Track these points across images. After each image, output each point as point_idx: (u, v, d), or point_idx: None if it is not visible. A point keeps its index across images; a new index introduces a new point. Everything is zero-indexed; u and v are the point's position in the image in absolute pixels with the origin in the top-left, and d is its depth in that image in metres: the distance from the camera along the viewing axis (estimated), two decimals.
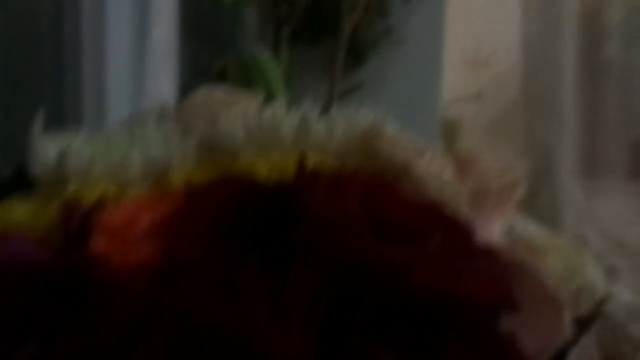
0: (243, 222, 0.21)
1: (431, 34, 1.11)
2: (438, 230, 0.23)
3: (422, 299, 0.20)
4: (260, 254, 0.20)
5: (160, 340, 0.18)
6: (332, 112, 0.30)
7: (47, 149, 0.28)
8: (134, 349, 0.18)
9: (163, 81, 0.71)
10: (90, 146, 0.28)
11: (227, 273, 0.19)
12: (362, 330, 0.19)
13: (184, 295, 0.18)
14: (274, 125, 0.28)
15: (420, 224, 0.23)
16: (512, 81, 1.35)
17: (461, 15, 1.21)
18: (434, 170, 0.27)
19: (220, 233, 0.20)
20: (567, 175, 1.23)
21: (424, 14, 1.09)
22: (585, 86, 1.32)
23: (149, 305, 0.18)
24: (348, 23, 1.04)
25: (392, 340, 0.19)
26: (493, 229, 0.29)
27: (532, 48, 1.31)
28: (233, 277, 0.19)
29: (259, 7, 1.03)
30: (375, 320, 0.19)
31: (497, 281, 0.22)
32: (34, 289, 0.20)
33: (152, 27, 0.67)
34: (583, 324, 0.25)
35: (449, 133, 1.20)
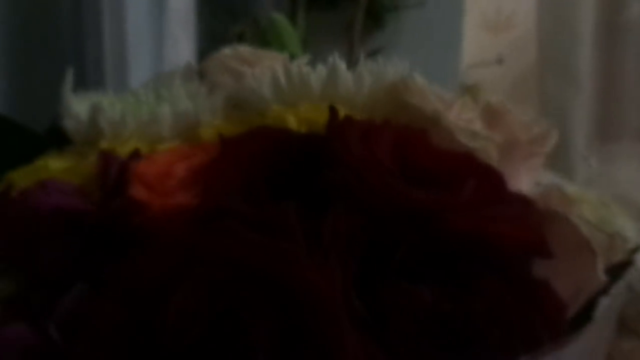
0: (278, 169, 0.21)
1: None
2: (470, 177, 0.22)
3: (457, 243, 0.20)
4: (296, 199, 0.20)
5: (202, 282, 0.18)
6: (360, 64, 0.29)
7: (79, 105, 0.28)
8: (176, 291, 0.18)
9: (182, 47, 0.71)
10: (120, 102, 0.28)
11: (264, 215, 0.19)
12: (399, 269, 0.19)
13: (224, 238, 0.18)
14: (301, 77, 0.28)
15: (452, 171, 0.23)
16: (530, 44, 1.32)
17: None
18: (463, 121, 0.27)
19: (256, 179, 0.20)
20: (583, 139, 1.21)
21: None
22: (602, 49, 1.29)
23: (189, 248, 0.19)
24: None
25: (428, 279, 0.19)
26: (523, 180, 0.29)
27: (550, 10, 1.28)
28: (271, 219, 0.19)
29: None
30: (412, 261, 0.19)
31: (530, 227, 0.22)
32: (79, 235, 0.20)
33: None
34: (615, 272, 0.25)
35: (469, 97, 1.19)
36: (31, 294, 0.20)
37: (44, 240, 0.21)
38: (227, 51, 0.36)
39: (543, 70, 1.34)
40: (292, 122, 0.25)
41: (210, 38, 0.86)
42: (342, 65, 0.29)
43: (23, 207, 0.21)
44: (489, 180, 0.23)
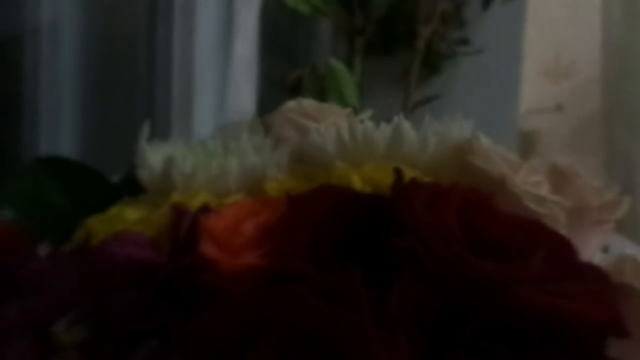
0: (344, 230, 0.21)
1: (509, 44, 1.08)
2: (540, 246, 0.22)
3: (527, 318, 0.19)
4: (362, 263, 0.20)
5: (270, 346, 0.18)
6: (424, 123, 0.30)
7: (154, 155, 0.29)
8: (245, 353, 0.18)
9: (244, 94, 0.74)
10: (192, 154, 0.30)
11: (332, 281, 0.19)
12: (467, 344, 0.19)
13: (292, 303, 0.19)
14: (366, 135, 0.29)
15: (520, 239, 0.22)
16: (592, 92, 1.29)
17: (541, 24, 1.17)
18: (531, 183, 0.27)
19: (322, 240, 0.21)
20: None
21: (502, 24, 1.06)
22: None
23: (259, 311, 0.19)
24: (424, 33, 1.03)
25: (497, 355, 0.18)
26: (592, 248, 0.28)
27: (614, 57, 1.24)
28: (338, 286, 0.19)
29: (333, 19, 1.05)
30: (480, 335, 0.19)
31: (605, 304, 0.21)
32: (151, 287, 0.21)
33: (235, 43, 0.70)
34: None
35: (527, 146, 1.16)
36: (104, 342, 0.21)
37: (117, 291, 0.22)
38: (291, 105, 0.37)
39: (608, 119, 1.29)
40: (356, 182, 0.26)
41: (270, 84, 0.89)
42: (406, 125, 0.29)
43: (100, 257, 0.22)
44: (559, 250, 0.22)
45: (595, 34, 1.28)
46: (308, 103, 0.37)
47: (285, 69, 0.98)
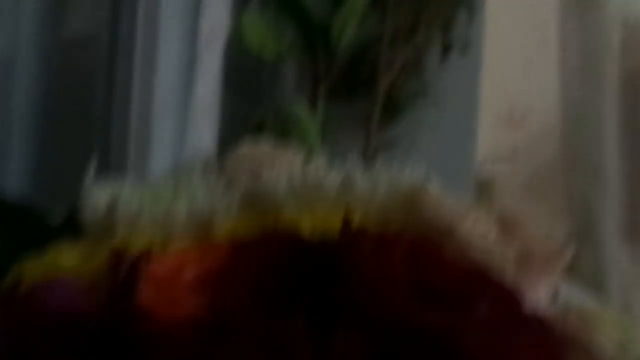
0: (288, 278, 0.21)
1: (467, 93, 1.12)
2: (486, 295, 0.22)
3: None
4: (305, 311, 0.20)
5: None
6: (375, 169, 0.30)
7: (98, 196, 0.28)
8: None
9: (204, 133, 0.73)
10: (138, 195, 0.29)
11: (273, 330, 0.18)
12: None
13: (230, 352, 0.18)
14: (317, 181, 0.29)
15: (467, 288, 0.22)
16: (548, 140, 1.33)
17: (497, 73, 1.22)
18: (478, 232, 0.27)
19: (265, 288, 0.20)
20: (610, 238, 1.18)
21: (460, 73, 1.10)
22: (627, 145, 1.29)
23: None
24: (384, 80, 1.06)
25: None
26: (539, 294, 0.28)
27: (572, 106, 1.30)
28: (279, 334, 0.18)
29: (298, 63, 1.07)
30: None
31: (550, 354, 0.21)
32: (82, 338, 0.20)
33: (197, 83, 0.70)
34: None
35: (483, 192, 1.19)
36: None
37: (45, 342, 0.20)
38: (244, 150, 0.36)
39: (565, 166, 1.33)
40: (305, 227, 0.25)
41: (232, 123, 0.89)
42: (357, 172, 0.29)
43: (28, 305, 0.21)
44: (504, 298, 0.22)
45: (552, 83, 1.33)
46: (261, 148, 0.37)
47: (249, 109, 0.98)
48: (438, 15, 1.09)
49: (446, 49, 1.10)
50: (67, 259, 0.25)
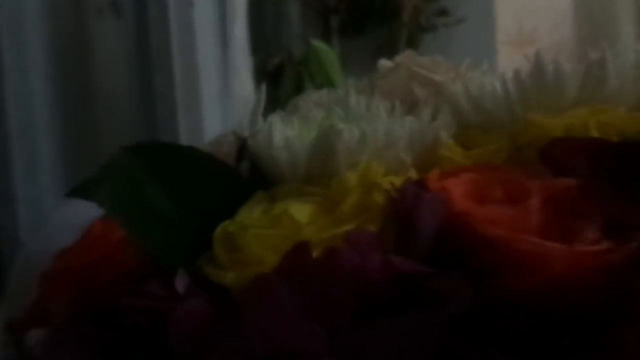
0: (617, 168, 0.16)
1: (483, 14, 1.07)
2: None
3: None
4: None
5: None
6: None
7: (269, 133, 0.22)
8: None
9: (244, 77, 0.67)
10: (355, 127, 0.23)
11: None
12: None
13: None
14: (557, 79, 0.23)
15: None
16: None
17: None
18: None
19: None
20: None
21: None
22: None
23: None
24: (408, 6, 0.99)
25: None
26: None
27: (586, 19, 1.26)
28: None
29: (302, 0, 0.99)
30: None
31: None
32: (444, 312, 0.14)
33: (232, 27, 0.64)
34: None
35: None
36: None
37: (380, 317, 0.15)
38: (396, 65, 0.31)
39: None
40: (592, 130, 0.21)
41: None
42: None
43: (330, 275, 0.15)
44: None
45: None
46: (420, 58, 0.31)
47: (258, 55, 0.92)
48: None
49: None
50: (300, 214, 0.19)
